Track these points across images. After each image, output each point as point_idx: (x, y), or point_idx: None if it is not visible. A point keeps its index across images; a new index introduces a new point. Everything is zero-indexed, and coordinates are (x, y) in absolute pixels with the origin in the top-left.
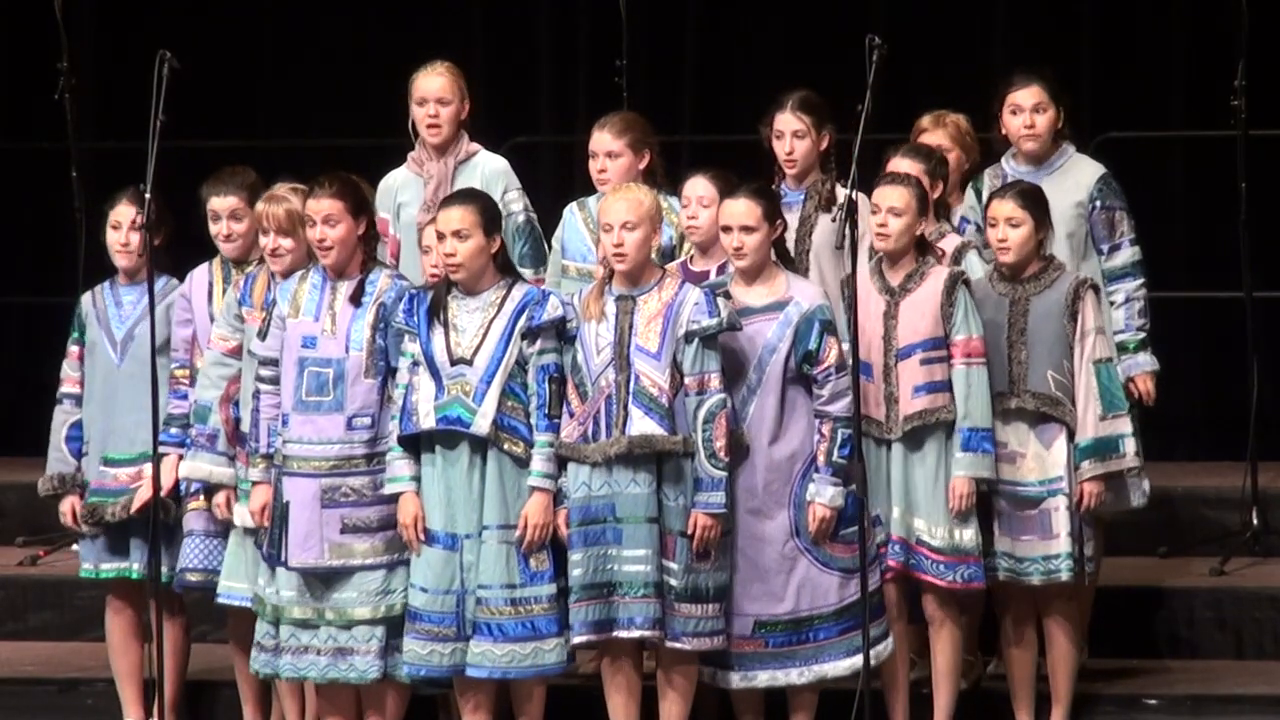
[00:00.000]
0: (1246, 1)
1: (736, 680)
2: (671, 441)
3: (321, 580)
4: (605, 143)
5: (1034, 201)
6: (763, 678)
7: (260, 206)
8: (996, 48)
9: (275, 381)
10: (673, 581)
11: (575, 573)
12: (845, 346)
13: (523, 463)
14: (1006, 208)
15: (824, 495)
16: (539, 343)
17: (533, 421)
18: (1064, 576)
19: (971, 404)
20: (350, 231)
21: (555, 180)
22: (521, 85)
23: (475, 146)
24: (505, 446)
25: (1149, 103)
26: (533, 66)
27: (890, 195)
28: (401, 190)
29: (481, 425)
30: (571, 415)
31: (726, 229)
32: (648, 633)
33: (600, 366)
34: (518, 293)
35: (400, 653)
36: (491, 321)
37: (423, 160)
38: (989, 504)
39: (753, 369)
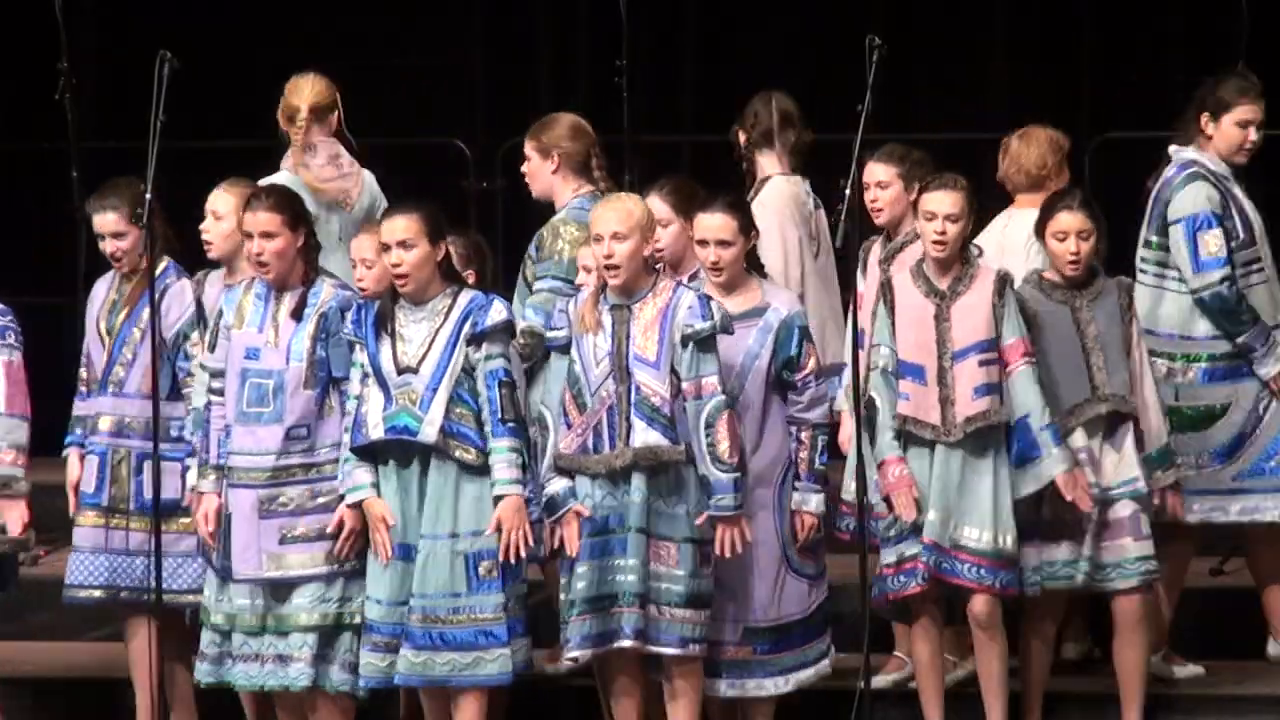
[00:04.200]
0: (1246, 1)
1: (724, 688)
2: (676, 452)
3: (270, 589)
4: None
5: (1096, 212)
6: (750, 685)
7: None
8: (997, 48)
9: (223, 393)
10: (677, 588)
11: (579, 585)
12: (845, 346)
13: (473, 469)
14: (1078, 220)
15: (810, 503)
16: (485, 348)
17: (486, 429)
18: (1156, 577)
19: (1041, 402)
20: (289, 244)
21: None
22: (521, 85)
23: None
24: (456, 453)
25: (1149, 103)
26: (533, 66)
27: (945, 201)
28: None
29: (429, 433)
30: (569, 426)
31: (703, 243)
32: (635, 642)
33: (600, 378)
34: (463, 299)
35: (331, 663)
36: (438, 330)
37: None
38: (1020, 513)
39: (734, 377)
